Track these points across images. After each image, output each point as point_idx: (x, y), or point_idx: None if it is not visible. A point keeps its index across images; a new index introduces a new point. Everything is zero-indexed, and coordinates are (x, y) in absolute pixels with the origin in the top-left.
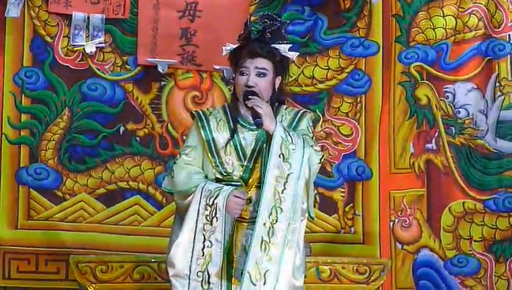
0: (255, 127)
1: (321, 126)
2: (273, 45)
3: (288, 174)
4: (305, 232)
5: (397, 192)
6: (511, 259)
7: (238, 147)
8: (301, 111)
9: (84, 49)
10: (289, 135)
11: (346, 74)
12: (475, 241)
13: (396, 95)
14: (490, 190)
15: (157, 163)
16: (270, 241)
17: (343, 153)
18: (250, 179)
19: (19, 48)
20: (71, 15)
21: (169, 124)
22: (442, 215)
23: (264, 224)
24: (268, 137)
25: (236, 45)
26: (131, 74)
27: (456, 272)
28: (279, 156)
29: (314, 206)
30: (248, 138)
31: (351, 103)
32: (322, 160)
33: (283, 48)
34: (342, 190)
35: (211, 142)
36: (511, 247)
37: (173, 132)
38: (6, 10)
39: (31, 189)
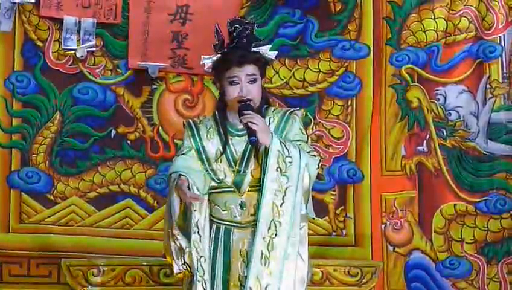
0: (243, 133)
1: (312, 129)
2: (254, 49)
3: (286, 188)
4: None
5: (388, 194)
6: (502, 261)
7: (229, 154)
8: (288, 111)
9: (75, 53)
10: (285, 147)
11: (337, 77)
12: (467, 243)
13: (387, 98)
14: (481, 192)
15: (149, 166)
16: (270, 256)
17: (334, 156)
18: (242, 184)
19: (9, 52)
20: (62, 19)
21: (160, 128)
22: (433, 217)
23: (264, 238)
24: (265, 149)
25: (216, 56)
26: (122, 77)
27: (448, 274)
28: (277, 170)
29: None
30: (237, 144)
31: (342, 105)
32: (320, 164)
33: (264, 49)
34: (333, 193)
35: (201, 150)
36: (502, 249)
37: (164, 135)
38: None
39: (22, 193)
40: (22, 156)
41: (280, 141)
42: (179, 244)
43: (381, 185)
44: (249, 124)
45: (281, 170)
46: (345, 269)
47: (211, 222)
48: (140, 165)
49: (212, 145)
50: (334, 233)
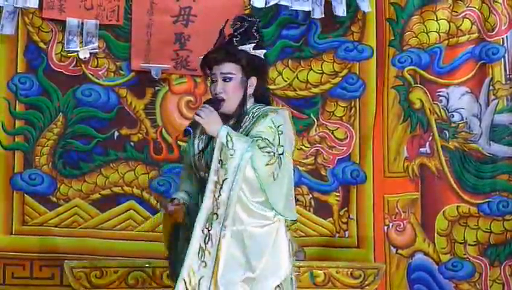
0: None
1: (315, 130)
2: (240, 47)
3: (224, 180)
4: (300, 237)
5: (391, 196)
6: (505, 263)
7: (207, 155)
8: (264, 110)
9: (78, 54)
10: (231, 140)
11: (340, 78)
12: (469, 245)
13: (390, 99)
14: (484, 194)
15: (152, 168)
16: (205, 248)
17: (337, 157)
18: None
19: (12, 54)
20: (65, 21)
21: (163, 129)
22: (436, 219)
23: (203, 231)
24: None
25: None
26: (125, 79)
27: (451, 276)
28: (218, 162)
29: (309, 210)
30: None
31: (345, 107)
32: (273, 161)
33: (248, 47)
34: (337, 194)
35: (191, 147)
36: (505, 251)
37: (167, 137)
38: (0, 26)
39: (25, 195)
40: (25, 158)
41: (227, 134)
42: None
43: (384, 186)
44: (195, 116)
45: (221, 162)
46: (347, 270)
47: None
48: (143, 167)
49: (200, 143)
50: (337, 234)
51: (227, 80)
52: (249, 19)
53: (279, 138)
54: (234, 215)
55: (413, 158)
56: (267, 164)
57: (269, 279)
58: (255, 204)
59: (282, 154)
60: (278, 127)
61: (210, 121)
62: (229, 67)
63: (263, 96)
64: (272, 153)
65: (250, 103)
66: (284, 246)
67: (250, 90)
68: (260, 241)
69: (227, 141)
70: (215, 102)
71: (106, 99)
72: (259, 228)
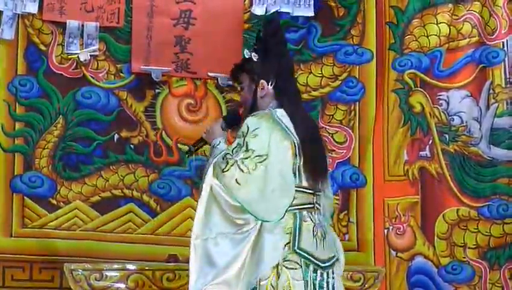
0: None
1: None
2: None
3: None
4: None
5: (391, 199)
6: (505, 266)
7: None
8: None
9: (78, 57)
10: (212, 150)
11: (340, 82)
12: (469, 248)
13: (390, 103)
14: (484, 197)
15: (152, 171)
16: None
17: (337, 161)
18: None
19: (12, 56)
20: (65, 23)
21: (163, 132)
22: (436, 222)
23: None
24: None
25: None
26: (126, 81)
27: (450, 280)
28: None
29: None
30: None
31: (345, 110)
32: (229, 167)
33: (246, 53)
34: (336, 197)
35: None
36: (505, 254)
37: (167, 140)
38: (0, 31)
39: (25, 197)
40: (25, 160)
41: (212, 146)
42: None
43: (384, 190)
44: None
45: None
46: (347, 274)
47: None
48: (143, 170)
49: None
50: None
51: (242, 89)
52: (259, 26)
53: (247, 141)
54: (202, 226)
55: (413, 162)
56: (224, 171)
57: (253, 273)
58: (231, 214)
59: (257, 157)
60: (250, 130)
61: (210, 134)
62: (241, 78)
63: (283, 97)
64: (228, 159)
65: (273, 104)
66: (272, 241)
67: (261, 94)
68: (228, 248)
69: (210, 153)
70: (231, 113)
71: (106, 102)
72: (228, 236)
